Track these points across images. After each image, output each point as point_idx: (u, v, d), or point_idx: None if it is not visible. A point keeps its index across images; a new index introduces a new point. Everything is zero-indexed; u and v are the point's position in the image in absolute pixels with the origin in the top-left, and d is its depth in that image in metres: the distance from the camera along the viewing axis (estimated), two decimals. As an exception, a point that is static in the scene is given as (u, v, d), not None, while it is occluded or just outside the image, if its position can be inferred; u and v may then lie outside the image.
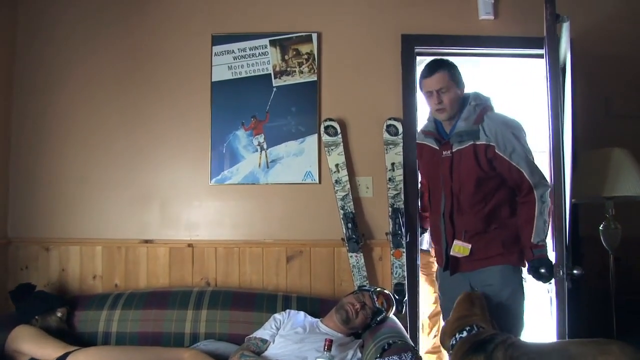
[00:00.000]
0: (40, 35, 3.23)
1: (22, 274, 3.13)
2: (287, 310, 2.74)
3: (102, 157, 3.18)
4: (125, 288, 3.09)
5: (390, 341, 2.29)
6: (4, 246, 3.14)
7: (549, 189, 2.43)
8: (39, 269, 3.14)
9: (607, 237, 2.83)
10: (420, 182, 3.06)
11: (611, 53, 3.15)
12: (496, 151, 2.48)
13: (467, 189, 2.54)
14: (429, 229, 3.01)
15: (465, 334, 2.21)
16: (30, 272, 3.14)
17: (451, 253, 2.58)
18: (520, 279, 2.58)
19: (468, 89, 2.66)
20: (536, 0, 3.14)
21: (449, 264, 2.62)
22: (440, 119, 2.64)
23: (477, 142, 2.51)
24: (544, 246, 2.45)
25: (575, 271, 2.25)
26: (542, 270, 2.40)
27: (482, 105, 2.58)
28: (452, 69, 2.57)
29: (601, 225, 2.85)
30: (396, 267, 3.01)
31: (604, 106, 3.14)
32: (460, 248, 2.57)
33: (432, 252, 3.15)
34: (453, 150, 2.58)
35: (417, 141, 2.84)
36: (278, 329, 2.62)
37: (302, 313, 2.72)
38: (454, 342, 2.22)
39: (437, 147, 2.66)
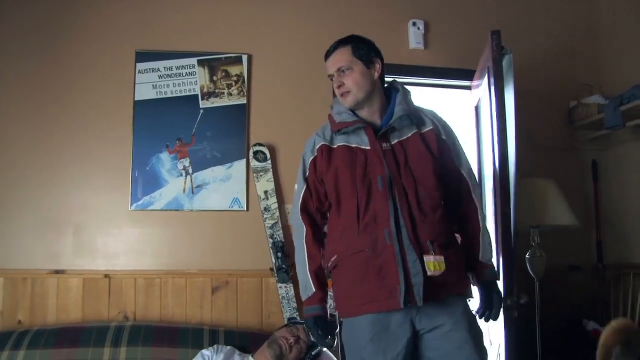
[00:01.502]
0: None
1: None
2: (215, 345, 2.60)
3: (8, 179, 2.89)
4: (30, 325, 2.79)
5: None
6: None
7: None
8: None
9: (533, 265, 2.89)
10: (305, 212, 2.14)
11: (532, 88, 3.27)
12: (442, 137, 2.08)
13: (426, 182, 1.99)
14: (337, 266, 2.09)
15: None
16: None
17: (428, 274, 1.87)
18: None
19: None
20: (464, 33, 3.29)
21: (409, 294, 1.86)
22: (345, 106, 2.08)
23: (423, 129, 2.06)
24: (493, 266, 2.06)
25: (521, 300, 2.22)
26: (493, 296, 2.02)
27: (409, 92, 2.16)
28: (357, 42, 2.08)
29: (527, 254, 2.92)
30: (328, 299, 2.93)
31: (526, 138, 3.25)
32: (434, 264, 1.89)
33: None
34: (392, 143, 2.03)
35: (317, 146, 2.10)
36: (209, 366, 2.48)
37: (230, 348, 2.59)
38: None
39: (362, 143, 2.04)
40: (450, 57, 3.20)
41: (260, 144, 2.98)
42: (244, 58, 3.04)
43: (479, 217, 2.06)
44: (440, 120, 2.13)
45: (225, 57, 3.03)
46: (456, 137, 2.15)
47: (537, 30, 3.48)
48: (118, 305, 2.88)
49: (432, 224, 1.94)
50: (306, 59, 3.11)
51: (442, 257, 1.89)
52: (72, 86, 2.97)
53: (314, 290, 2.01)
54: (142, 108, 2.97)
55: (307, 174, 2.11)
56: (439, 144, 2.05)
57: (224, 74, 3.03)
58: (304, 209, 2.10)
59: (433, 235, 1.92)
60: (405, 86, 2.15)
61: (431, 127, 2.07)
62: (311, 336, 2.02)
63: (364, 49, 2.06)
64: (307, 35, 3.15)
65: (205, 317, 2.91)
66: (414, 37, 3.19)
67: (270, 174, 2.96)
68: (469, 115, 3.30)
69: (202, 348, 2.60)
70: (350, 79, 2.03)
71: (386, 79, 2.17)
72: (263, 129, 3.04)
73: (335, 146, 2.06)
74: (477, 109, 3.19)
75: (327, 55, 2.10)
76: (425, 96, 4.08)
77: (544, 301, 2.90)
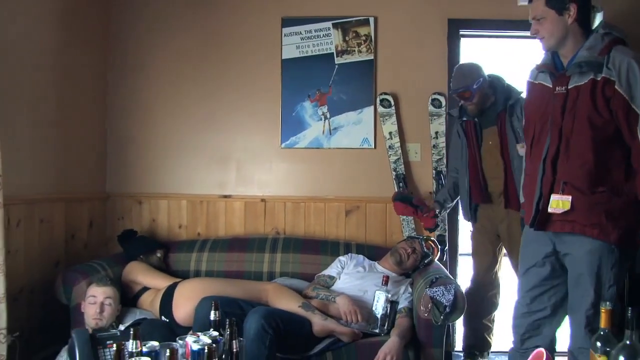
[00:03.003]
0: (130, 21, 3.72)
1: (118, 223, 3.68)
2: (350, 254, 3.23)
3: (186, 124, 3.69)
4: (206, 236, 3.62)
5: (437, 276, 2.78)
6: (104, 200, 3.68)
7: None
8: (133, 219, 3.69)
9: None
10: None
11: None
12: (615, 87, 2.04)
13: (580, 130, 2.11)
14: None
15: None
16: (126, 222, 3.68)
17: (549, 210, 2.16)
18: (616, 265, 2.13)
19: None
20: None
21: (537, 219, 2.21)
22: (544, 50, 2.28)
23: (598, 77, 2.07)
24: None
25: None
26: None
27: (613, 36, 2.15)
28: None
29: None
30: (438, 222, 3.49)
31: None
32: (558, 202, 2.13)
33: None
34: (569, 87, 2.14)
35: (528, 80, 2.41)
36: (343, 268, 3.11)
37: (361, 256, 3.21)
38: None
39: (550, 84, 2.24)
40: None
41: (385, 93, 3.54)
42: (371, 20, 3.58)
43: None
44: (625, 66, 2.06)
45: (355, 20, 3.60)
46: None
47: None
48: (272, 223, 3.62)
49: (572, 167, 2.13)
50: (424, 20, 3.59)
51: (570, 197, 2.11)
52: (233, 50, 3.67)
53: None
54: (288, 65, 3.62)
55: None
56: (609, 95, 2.07)
57: (354, 34, 3.60)
58: None
59: (568, 177, 2.13)
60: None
61: (605, 75, 2.06)
62: None
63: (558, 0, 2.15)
64: (425, -1, 3.63)
65: (340, 234, 3.58)
66: (522, -6, 3.54)
67: (394, 118, 3.52)
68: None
69: (338, 256, 3.25)
70: (543, 28, 2.18)
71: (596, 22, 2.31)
72: (388, 81, 3.58)
73: (536, 82, 2.35)
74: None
75: (529, 1, 2.27)
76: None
77: None
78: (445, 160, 3.49)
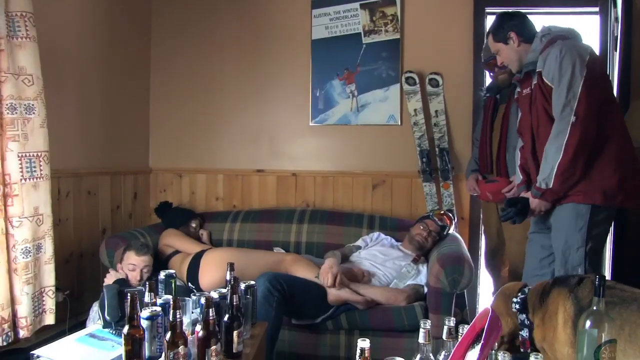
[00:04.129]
0: (171, 10, 3.97)
1: (161, 195, 3.97)
2: (378, 232, 3.36)
3: (221, 103, 3.93)
4: (241, 208, 3.86)
5: (449, 247, 2.93)
6: (147, 174, 3.98)
7: (573, 119, 2.18)
8: (174, 192, 3.98)
9: None
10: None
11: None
12: (543, 77, 2.31)
13: (542, 122, 2.36)
14: None
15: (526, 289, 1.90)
16: (167, 194, 3.97)
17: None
18: (584, 226, 2.28)
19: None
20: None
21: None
22: (516, 74, 2.56)
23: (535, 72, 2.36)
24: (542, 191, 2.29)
25: None
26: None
27: (552, 35, 2.37)
28: (494, 29, 2.52)
29: None
30: (445, 197, 3.61)
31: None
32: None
33: None
34: (529, 88, 2.44)
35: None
36: (368, 244, 3.26)
37: (387, 237, 3.31)
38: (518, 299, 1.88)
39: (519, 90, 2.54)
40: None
41: (410, 71, 3.65)
42: (398, 0, 3.70)
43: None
44: (550, 56, 2.27)
45: (382, 0, 3.72)
46: (564, 66, 2.23)
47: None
48: (302, 196, 3.83)
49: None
50: (448, 2, 3.68)
51: None
52: (265, 32, 3.87)
53: None
54: (318, 45, 3.78)
55: None
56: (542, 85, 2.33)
57: (381, 14, 3.72)
58: None
59: None
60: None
61: (539, 69, 2.33)
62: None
63: (499, 31, 2.49)
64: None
65: (366, 207, 3.75)
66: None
67: (419, 95, 3.64)
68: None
69: (362, 228, 3.43)
70: (502, 58, 2.53)
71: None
72: (413, 59, 3.70)
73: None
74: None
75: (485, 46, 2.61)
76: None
77: None
78: (447, 138, 3.62)
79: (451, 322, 1.49)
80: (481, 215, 3.52)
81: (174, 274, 2.17)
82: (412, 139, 3.66)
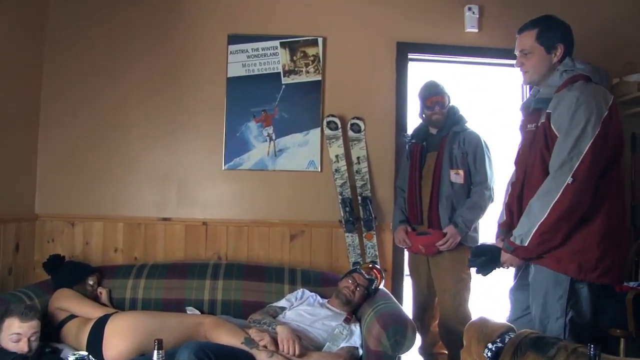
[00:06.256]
0: (69, 30, 3.52)
1: (48, 246, 3.45)
2: (302, 289, 3.09)
3: (125, 140, 3.51)
4: (144, 261, 3.44)
5: (384, 304, 2.71)
6: (32, 221, 3.45)
7: (570, 180, 1.99)
8: (64, 242, 3.47)
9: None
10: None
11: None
12: (550, 122, 2.09)
13: (535, 164, 2.17)
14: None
15: (507, 338, 1.86)
16: (56, 245, 3.46)
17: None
18: (563, 296, 2.11)
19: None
20: (515, 16, 3.63)
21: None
22: (523, 82, 2.44)
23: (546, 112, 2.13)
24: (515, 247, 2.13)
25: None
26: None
27: (574, 73, 2.14)
28: (544, 28, 2.19)
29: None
30: (369, 248, 3.45)
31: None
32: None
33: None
34: (538, 124, 2.19)
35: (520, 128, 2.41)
36: (293, 303, 2.97)
37: (314, 294, 3.06)
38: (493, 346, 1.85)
39: (523, 120, 2.33)
40: (501, 39, 3.50)
41: (332, 115, 3.47)
42: (320, 41, 3.52)
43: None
44: (562, 100, 2.07)
45: (304, 40, 3.52)
46: (575, 118, 2.02)
47: (584, 11, 3.66)
48: (213, 247, 3.49)
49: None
50: (374, 42, 3.57)
51: None
52: (177, 66, 3.53)
53: None
54: (234, 84, 3.51)
55: None
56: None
57: (302, 54, 3.52)
58: None
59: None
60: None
61: (549, 111, 2.11)
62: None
63: (549, 35, 2.18)
64: (376, 21, 3.58)
65: (284, 259, 3.48)
66: (469, 21, 3.55)
67: (340, 141, 3.46)
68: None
69: (283, 283, 3.15)
70: (529, 61, 2.22)
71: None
72: (335, 102, 3.53)
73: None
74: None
75: (519, 32, 2.26)
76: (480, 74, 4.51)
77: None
78: (369, 185, 3.47)
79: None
80: (408, 267, 3.36)
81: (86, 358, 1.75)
82: (333, 186, 3.46)
